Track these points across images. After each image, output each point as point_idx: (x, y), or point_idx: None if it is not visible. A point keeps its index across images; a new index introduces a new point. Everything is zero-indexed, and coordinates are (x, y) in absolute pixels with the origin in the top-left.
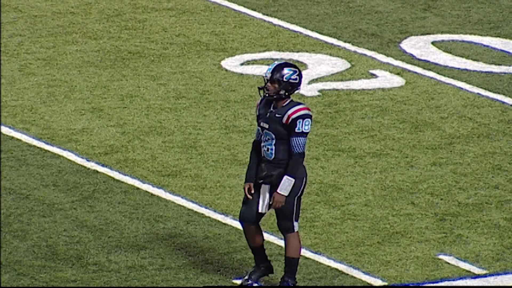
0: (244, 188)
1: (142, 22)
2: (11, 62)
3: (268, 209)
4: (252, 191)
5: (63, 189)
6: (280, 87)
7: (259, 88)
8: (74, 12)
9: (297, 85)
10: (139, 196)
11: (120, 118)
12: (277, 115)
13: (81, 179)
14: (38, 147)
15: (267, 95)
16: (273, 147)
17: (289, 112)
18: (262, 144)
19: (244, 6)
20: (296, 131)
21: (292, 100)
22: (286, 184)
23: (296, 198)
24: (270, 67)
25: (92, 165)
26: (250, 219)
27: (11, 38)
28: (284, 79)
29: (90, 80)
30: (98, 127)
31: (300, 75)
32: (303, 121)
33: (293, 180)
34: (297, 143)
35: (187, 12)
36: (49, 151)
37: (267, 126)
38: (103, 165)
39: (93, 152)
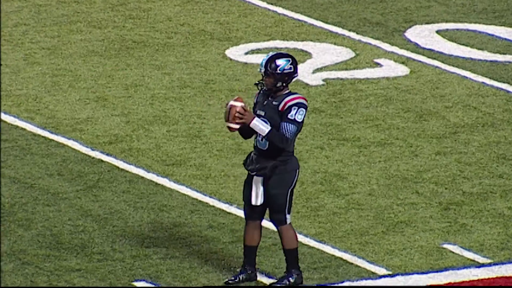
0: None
1: (147, 11)
2: (15, 51)
3: (262, 197)
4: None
5: (67, 178)
6: (276, 80)
7: (256, 84)
8: (78, 1)
9: (293, 73)
10: (143, 185)
11: (125, 107)
12: (274, 103)
13: (85, 168)
14: (42, 136)
15: (265, 89)
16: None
17: (286, 99)
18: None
19: None
20: (288, 117)
21: (290, 91)
22: (262, 126)
23: (288, 190)
24: (262, 61)
25: (96, 154)
26: (252, 215)
27: (15, 28)
28: (278, 71)
29: (94, 69)
30: (102, 116)
31: (294, 63)
32: (298, 109)
33: (266, 131)
34: (287, 128)
35: (191, 1)
36: (53, 140)
37: (263, 114)
38: (107, 154)
39: (97, 141)
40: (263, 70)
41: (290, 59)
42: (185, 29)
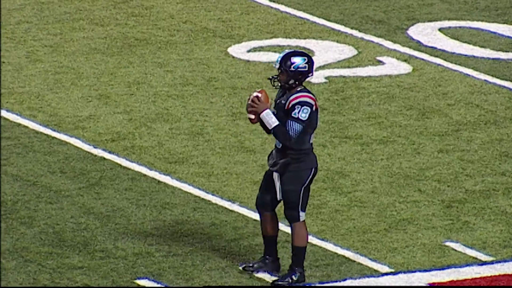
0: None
1: (149, 9)
2: (18, 49)
3: (280, 193)
4: None
5: (70, 176)
6: (289, 77)
7: (269, 79)
8: None
9: (307, 73)
10: (146, 183)
11: (127, 105)
12: (282, 102)
13: (88, 166)
14: (45, 134)
15: (278, 85)
16: None
17: (292, 97)
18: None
19: None
20: (292, 115)
21: (301, 89)
22: (272, 120)
23: (302, 187)
24: (279, 56)
25: (99, 152)
26: (264, 206)
27: (18, 25)
28: (292, 68)
29: (97, 67)
30: (105, 114)
31: (309, 63)
32: (301, 108)
33: (272, 126)
34: (291, 126)
35: None
36: (56, 138)
37: (275, 112)
38: (110, 152)
39: (100, 139)
40: (277, 65)
41: (306, 58)
42: (187, 27)
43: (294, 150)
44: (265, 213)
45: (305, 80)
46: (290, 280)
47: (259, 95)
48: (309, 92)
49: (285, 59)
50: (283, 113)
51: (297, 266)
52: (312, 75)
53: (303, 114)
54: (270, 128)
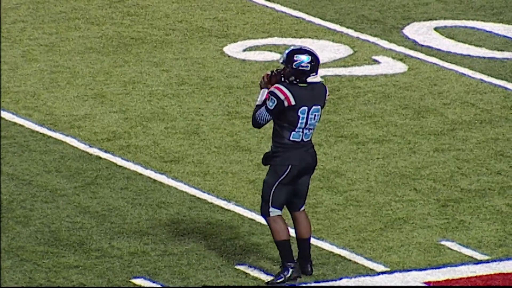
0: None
1: (145, 8)
2: (13, 48)
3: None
4: None
5: (65, 175)
6: (290, 73)
7: (278, 72)
8: None
9: (309, 72)
10: (141, 182)
11: (123, 104)
12: None
13: (83, 165)
14: (40, 133)
15: (283, 78)
16: (273, 127)
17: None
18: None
19: None
20: (265, 102)
21: (289, 82)
22: (259, 96)
23: (276, 183)
24: (285, 51)
25: (94, 151)
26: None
27: (13, 24)
28: (294, 66)
29: (92, 66)
30: (100, 113)
31: (313, 62)
32: (270, 97)
33: (256, 103)
34: (261, 112)
35: None
36: (51, 137)
37: None
38: (105, 151)
39: (95, 138)
40: (282, 60)
41: (311, 57)
42: (183, 26)
43: (275, 144)
44: (293, 213)
45: (307, 79)
46: (283, 277)
47: (269, 73)
48: (286, 87)
49: (290, 55)
50: None
51: (288, 261)
52: (315, 74)
53: (270, 103)
54: (258, 102)
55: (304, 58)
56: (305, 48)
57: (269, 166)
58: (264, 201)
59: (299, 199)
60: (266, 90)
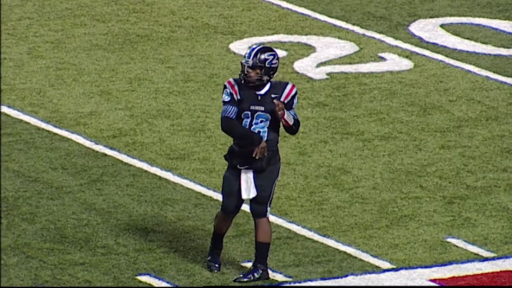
0: (262, 147)
1: (151, 5)
2: (19, 45)
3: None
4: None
5: (71, 172)
6: (262, 73)
7: (240, 75)
8: None
9: (277, 69)
10: (147, 179)
11: (129, 101)
12: (273, 95)
13: (89, 162)
14: (46, 130)
15: (248, 81)
16: (266, 130)
17: (287, 90)
18: (251, 127)
19: None
20: (293, 107)
21: (279, 81)
22: (290, 117)
23: (274, 182)
24: (248, 53)
25: (100, 148)
26: (234, 210)
27: (19, 21)
28: (267, 65)
29: (98, 63)
30: (106, 110)
31: (278, 58)
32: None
33: (292, 123)
34: (296, 115)
35: None
36: (57, 134)
37: (262, 109)
38: (111, 148)
39: (101, 135)
40: (250, 62)
41: (275, 54)
42: (188, 23)
43: (273, 143)
44: (231, 216)
45: (274, 76)
46: (252, 277)
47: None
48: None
49: (257, 54)
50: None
51: (260, 263)
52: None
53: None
54: (291, 123)
55: (271, 56)
56: (266, 46)
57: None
58: (263, 203)
59: None
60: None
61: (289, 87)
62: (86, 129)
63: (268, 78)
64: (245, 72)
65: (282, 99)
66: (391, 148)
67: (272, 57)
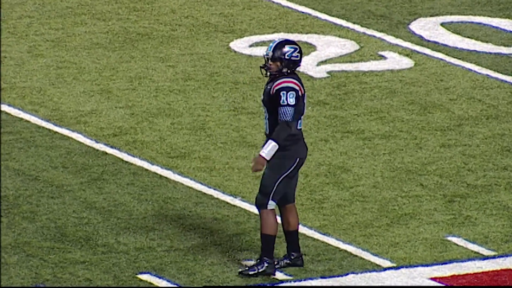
0: (258, 163)
1: (151, 3)
2: (20, 43)
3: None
4: None
5: (72, 170)
6: (282, 65)
7: (261, 67)
8: None
9: (298, 62)
10: (147, 177)
11: (129, 100)
12: (267, 87)
13: (90, 160)
14: (47, 129)
15: (269, 73)
16: (267, 121)
17: (275, 83)
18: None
19: None
20: (281, 103)
21: (286, 75)
22: (268, 148)
23: (282, 176)
24: (270, 45)
25: (101, 147)
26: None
27: (20, 20)
28: (286, 57)
29: (98, 62)
30: (106, 109)
31: (300, 52)
32: (287, 93)
33: (277, 145)
34: (284, 112)
35: None
36: (58, 132)
37: (262, 99)
38: (111, 147)
39: (101, 133)
40: (270, 54)
41: (298, 47)
42: (189, 22)
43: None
44: (283, 207)
45: (295, 69)
46: (257, 271)
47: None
48: (294, 78)
49: (279, 47)
50: (268, 97)
51: (266, 256)
52: (300, 65)
53: (291, 99)
54: (275, 147)
55: (292, 49)
56: (289, 39)
57: (271, 159)
58: (264, 193)
59: (292, 191)
60: (262, 155)
61: (279, 81)
62: (86, 127)
63: (288, 71)
64: (266, 64)
65: (271, 92)
66: (391, 147)
67: (292, 49)
